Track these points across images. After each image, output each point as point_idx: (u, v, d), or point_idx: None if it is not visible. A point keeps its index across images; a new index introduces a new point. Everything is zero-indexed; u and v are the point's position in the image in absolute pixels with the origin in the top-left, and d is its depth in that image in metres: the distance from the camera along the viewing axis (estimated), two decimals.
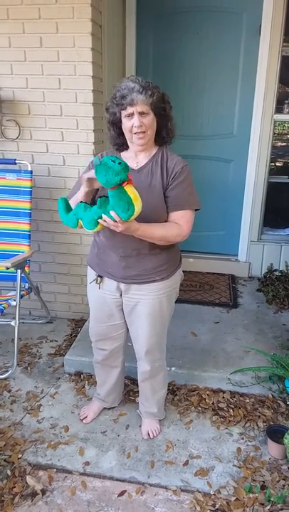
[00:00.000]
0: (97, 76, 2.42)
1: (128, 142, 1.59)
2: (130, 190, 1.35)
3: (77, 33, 2.29)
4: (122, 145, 1.62)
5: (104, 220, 1.39)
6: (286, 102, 3.26)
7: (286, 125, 3.81)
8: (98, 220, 1.42)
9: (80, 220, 1.48)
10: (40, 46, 2.35)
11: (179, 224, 1.57)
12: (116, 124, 1.57)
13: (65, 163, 2.53)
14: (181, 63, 3.16)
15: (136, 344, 1.80)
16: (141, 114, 1.48)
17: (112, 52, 2.76)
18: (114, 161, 1.33)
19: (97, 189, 1.52)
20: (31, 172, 2.43)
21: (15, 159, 2.44)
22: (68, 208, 1.54)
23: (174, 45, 3.12)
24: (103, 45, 2.52)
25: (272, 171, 3.34)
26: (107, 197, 1.38)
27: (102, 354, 1.88)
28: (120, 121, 1.54)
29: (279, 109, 3.13)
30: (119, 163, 1.32)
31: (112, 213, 1.36)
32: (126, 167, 1.33)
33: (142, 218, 1.47)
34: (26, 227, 2.45)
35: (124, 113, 1.50)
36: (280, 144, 3.77)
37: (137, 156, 1.61)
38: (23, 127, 2.51)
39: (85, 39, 2.29)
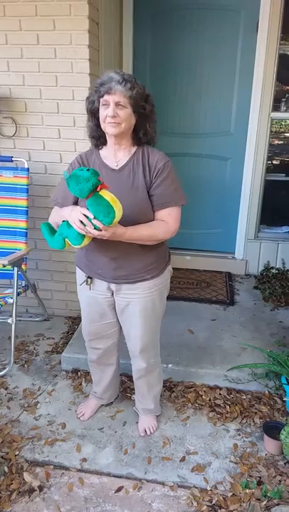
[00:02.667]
0: (94, 74, 2.41)
1: (106, 136, 1.56)
2: (106, 194, 1.36)
3: (74, 30, 2.29)
4: (99, 138, 1.59)
5: (89, 232, 1.39)
6: (283, 100, 3.26)
7: (283, 123, 3.82)
8: (82, 233, 1.41)
9: (66, 239, 1.49)
10: (37, 43, 2.35)
11: (166, 221, 1.56)
12: (94, 114, 1.54)
13: (62, 161, 2.53)
14: (178, 61, 3.16)
15: (129, 342, 1.80)
16: (117, 105, 1.44)
17: (109, 49, 2.76)
18: (82, 170, 1.36)
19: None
20: (28, 169, 2.43)
21: (11, 157, 2.44)
22: (52, 231, 1.56)
23: (172, 42, 3.12)
24: (100, 43, 2.52)
25: (269, 169, 3.35)
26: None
27: (96, 353, 1.88)
28: (98, 110, 1.51)
29: (276, 107, 3.13)
30: (88, 170, 1.35)
31: (95, 221, 1.36)
32: (95, 172, 1.36)
33: (128, 219, 1.46)
34: (23, 224, 2.44)
35: (101, 101, 1.47)
36: (276, 142, 3.79)
37: (116, 154, 1.57)
38: (19, 124, 2.50)
39: (82, 36, 2.29)
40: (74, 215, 1.40)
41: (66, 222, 1.47)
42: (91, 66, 2.36)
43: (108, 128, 1.49)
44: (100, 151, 1.61)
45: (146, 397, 1.92)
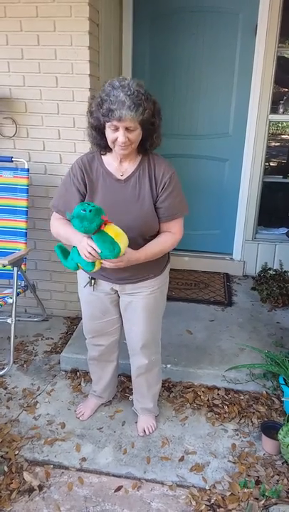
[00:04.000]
0: (94, 75, 2.42)
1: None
2: (110, 230, 1.39)
3: (74, 31, 2.29)
4: (105, 147, 1.52)
5: (105, 263, 1.46)
6: (281, 102, 3.29)
7: (280, 125, 3.85)
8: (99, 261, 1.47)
9: (78, 264, 1.53)
10: (38, 44, 2.35)
11: (172, 232, 1.59)
12: (99, 130, 1.48)
13: (61, 162, 2.54)
14: (177, 63, 3.17)
15: (131, 340, 1.82)
16: (127, 129, 1.40)
17: (109, 51, 2.77)
18: (84, 210, 1.36)
19: None
20: (28, 170, 2.43)
21: (11, 157, 2.44)
22: (65, 252, 1.59)
23: (171, 44, 3.14)
24: (100, 44, 2.53)
25: (267, 171, 3.37)
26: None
27: (98, 350, 1.89)
28: (104, 127, 1.45)
29: (274, 109, 3.16)
30: (90, 211, 1.35)
31: (104, 262, 1.45)
32: (98, 212, 1.37)
33: (134, 231, 1.50)
34: (23, 225, 2.45)
35: (109, 124, 1.42)
36: (273, 144, 3.81)
37: (121, 165, 1.54)
38: (19, 125, 2.51)
39: (83, 37, 2.30)
40: (82, 247, 1.43)
41: (76, 249, 1.50)
42: (91, 67, 2.37)
43: (118, 150, 1.46)
44: (103, 156, 1.57)
45: (146, 396, 1.93)
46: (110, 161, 1.56)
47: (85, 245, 1.41)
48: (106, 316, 1.79)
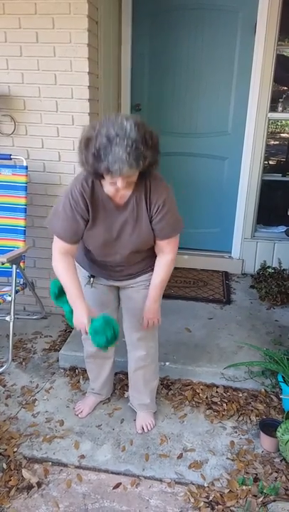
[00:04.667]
0: (93, 72, 2.42)
1: None
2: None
3: (73, 28, 2.29)
4: (102, 175, 1.43)
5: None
6: (280, 100, 3.29)
7: (279, 124, 3.85)
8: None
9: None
10: (36, 42, 2.34)
11: (167, 253, 1.63)
12: (96, 173, 1.42)
13: (60, 159, 2.53)
14: (176, 61, 3.17)
15: (129, 330, 1.83)
16: (127, 177, 1.38)
17: (108, 48, 2.77)
18: (109, 331, 1.50)
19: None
20: (26, 167, 2.43)
21: (10, 154, 2.44)
22: (62, 293, 1.63)
23: (170, 42, 3.13)
24: (99, 42, 2.52)
25: (266, 169, 3.37)
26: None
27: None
28: (101, 175, 1.42)
29: (273, 108, 3.16)
30: (112, 337, 1.51)
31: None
32: (115, 336, 1.53)
33: (133, 250, 1.59)
34: (21, 222, 2.44)
35: (107, 177, 1.39)
36: (272, 142, 3.81)
37: (118, 192, 1.49)
38: (18, 122, 2.50)
39: (82, 35, 2.29)
40: (79, 324, 1.56)
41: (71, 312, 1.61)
42: (90, 65, 2.36)
43: (117, 198, 1.50)
44: (102, 181, 1.49)
45: (142, 391, 1.93)
46: (108, 186, 1.49)
47: (81, 327, 1.56)
48: (104, 308, 1.79)
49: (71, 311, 1.59)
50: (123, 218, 1.55)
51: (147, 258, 1.69)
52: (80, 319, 1.54)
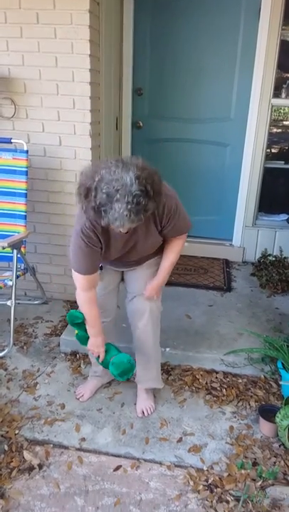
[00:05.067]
0: (94, 55, 2.38)
1: None
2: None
3: (74, 10, 2.24)
4: None
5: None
6: (284, 86, 3.24)
7: (282, 111, 3.80)
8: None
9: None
10: (37, 23, 2.30)
11: (176, 242, 1.72)
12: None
13: (61, 144, 2.51)
14: (179, 45, 3.11)
15: (134, 288, 1.84)
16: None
17: (109, 31, 2.72)
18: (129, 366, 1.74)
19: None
20: (27, 152, 2.40)
21: (11, 138, 2.41)
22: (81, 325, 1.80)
23: (173, 26, 3.07)
24: (101, 24, 2.48)
25: (269, 157, 3.34)
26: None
27: None
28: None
29: (276, 94, 3.11)
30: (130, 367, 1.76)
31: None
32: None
33: (144, 255, 1.70)
34: (22, 207, 2.43)
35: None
36: (276, 130, 3.77)
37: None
38: (18, 106, 2.47)
39: (83, 16, 2.25)
40: (94, 348, 1.77)
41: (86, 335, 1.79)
42: (92, 47, 2.32)
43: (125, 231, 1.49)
44: None
45: (150, 355, 1.91)
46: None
47: (96, 350, 1.77)
48: (106, 289, 1.83)
49: (84, 335, 1.80)
50: (134, 237, 1.60)
51: (156, 251, 1.76)
52: (98, 349, 1.77)
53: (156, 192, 1.34)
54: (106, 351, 1.79)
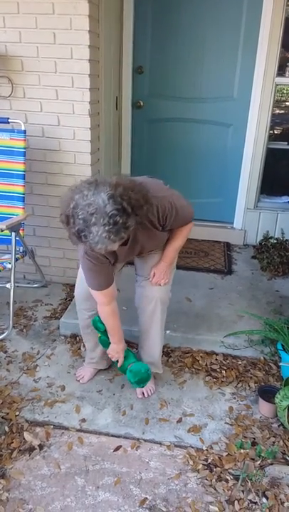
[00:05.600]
0: (94, 31, 2.31)
1: None
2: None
3: None
4: None
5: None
6: (288, 65, 3.16)
7: (285, 91, 3.72)
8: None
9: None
10: None
11: (183, 228, 1.72)
12: None
13: (59, 124, 2.46)
14: (180, 23, 3.03)
15: (143, 270, 1.85)
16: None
17: (109, 6, 2.64)
18: (144, 373, 1.81)
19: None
20: (25, 132, 2.35)
21: (8, 118, 2.36)
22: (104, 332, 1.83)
23: (174, 4, 2.98)
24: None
25: (271, 137, 3.28)
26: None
27: (92, 316, 1.87)
28: None
29: (281, 74, 3.04)
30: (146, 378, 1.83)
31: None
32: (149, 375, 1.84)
33: (153, 248, 1.73)
34: (20, 189, 2.39)
35: None
36: (279, 111, 3.69)
37: None
38: (15, 84, 2.41)
39: None
40: (114, 353, 1.82)
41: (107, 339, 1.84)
42: (91, 23, 2.25)
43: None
44: None
45: (154, 338, 1.91)
46: None
47: (116, 355, 1.82)
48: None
49: (106, 340, 1.84)
50: (139, 243, 1.63)
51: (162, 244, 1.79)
52: (117, 355, 1.82)
53: (135, 206, 1.31)
54: (125, 357, 1.84)
